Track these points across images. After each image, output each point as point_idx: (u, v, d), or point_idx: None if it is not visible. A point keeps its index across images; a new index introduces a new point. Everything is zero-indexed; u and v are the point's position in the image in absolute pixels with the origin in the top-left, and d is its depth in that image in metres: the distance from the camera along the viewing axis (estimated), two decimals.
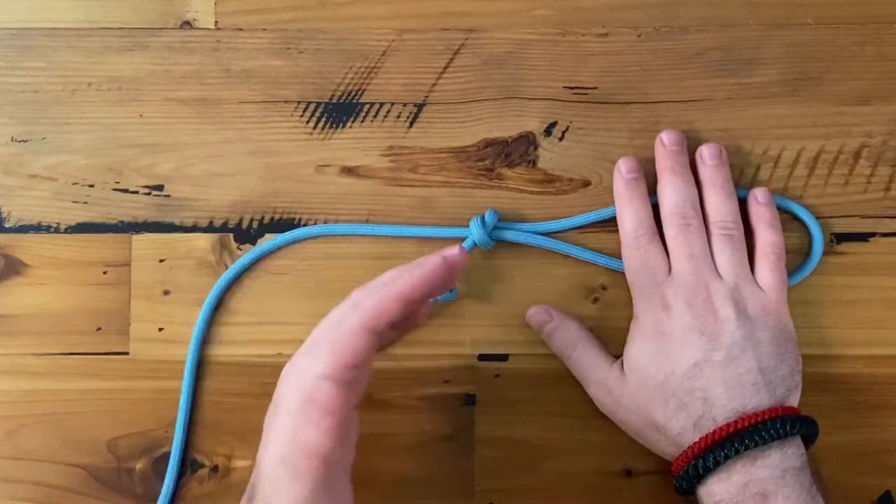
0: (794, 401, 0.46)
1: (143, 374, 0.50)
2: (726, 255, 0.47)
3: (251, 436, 0.49)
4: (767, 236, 0.48)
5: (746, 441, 0.43)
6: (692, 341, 0.45)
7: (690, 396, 0.45)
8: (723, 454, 0.43)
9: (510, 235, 0.50)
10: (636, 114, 0.51)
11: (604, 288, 0.50)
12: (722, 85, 0.51)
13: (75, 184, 0.51)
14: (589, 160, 0.51)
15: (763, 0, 0.51)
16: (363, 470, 0.49)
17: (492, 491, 0.49)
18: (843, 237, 0.50)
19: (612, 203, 0.50)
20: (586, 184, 0.51)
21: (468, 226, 0.49)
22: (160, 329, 0.50)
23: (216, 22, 0.52)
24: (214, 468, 0.49)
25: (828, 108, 0.51)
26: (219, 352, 0.50)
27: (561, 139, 0.51)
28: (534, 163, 0.51)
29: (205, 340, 0.50)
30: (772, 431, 0.43)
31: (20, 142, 0.51)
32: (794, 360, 0.46)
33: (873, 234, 0.50)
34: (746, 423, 0.43)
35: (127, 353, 0.50)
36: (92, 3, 0.52)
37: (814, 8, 0.52)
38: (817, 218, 0.50)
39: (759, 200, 0.49)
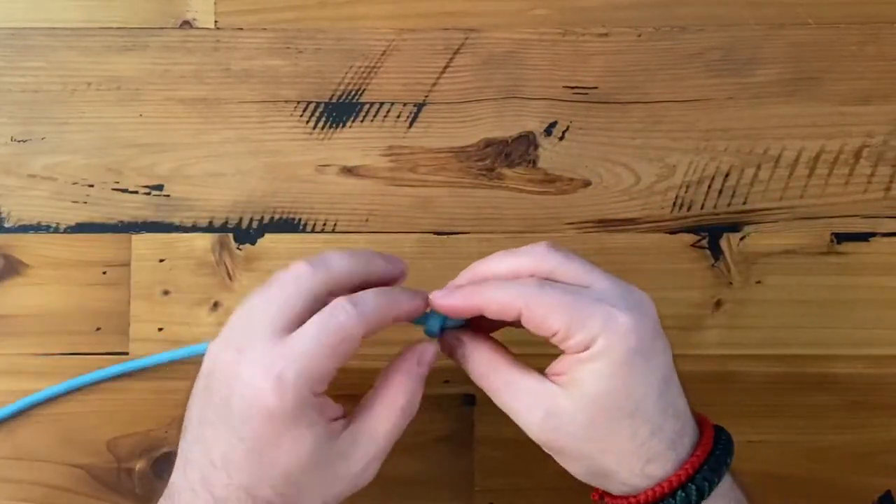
0: None
1: (142, 375, 0.50)
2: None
3: None
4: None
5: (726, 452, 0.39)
6: (657, 349, 0.38)
7: (664, 416, 0.38)
8: (717, 474, 0.38)
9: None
10: (636, 114, 0.51)
11: None
12: (722, 85, 0.51)
13: (75, 184, 0.51)
14: (589, 160, 0.51)
15: (763, 0, 0.51)
16: None
17: (492, 491, 0.49)
18: (843, 237, 0.50)
19: (612, 203, 0.50)
20: (587, 184, 0.51)
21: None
22: (160, 329, 0.50)
23: (216, 21, 0.52)
24: None
25: (828, 108, 0.51)
26: None
27: (561, 139, 0.51)
28: (534, 163, 0.51)
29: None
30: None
31: (20, 142, 0.51)
32: None
33: (873, 234, 0.50)
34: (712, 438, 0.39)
35: (127, 353, 0.50)
36: (91, 3, 0.52)
37: (814, 8, 0.52)
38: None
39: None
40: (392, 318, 0.39)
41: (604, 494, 0.41)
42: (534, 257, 0.39)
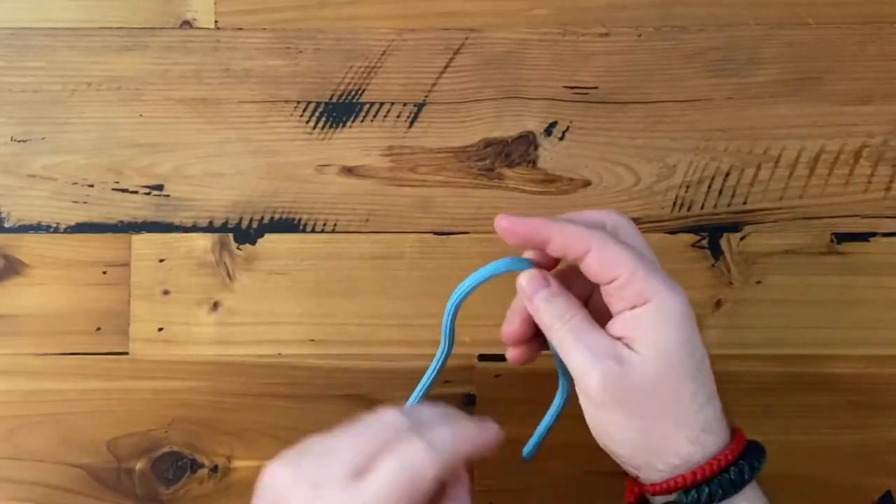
0: None
1: (142, 374, 0.50)
2: None
3: (251, 436, 0.49)
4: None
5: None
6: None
7: (714, 386, 0.39)
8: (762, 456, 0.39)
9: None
10: (636, 114, 0.51)
11: None
12: (722, 85, 0.51)
13: (75, 184, 0.51)
14: (589, 160, 0.51)
15: (763, 0, 0.51)
16: None
17: (492, 491, 0.49)
18: (843, 237, 0.50)
19: (612, 203, 0.50)
20: (587, 184, 0.51)
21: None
22: (160, 329, 0.50)
23: (216, 21, 0.52)
24: (214, 468, 0.49)
25: (828, 108, 0.51)
26: (219, 352, 0.50)
27: (561, 139, 0.51)
28: (534, 163, 0.51)
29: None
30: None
31: (20, 142, 0.51)
32: None
33: (874, 234, 0.50)
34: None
35: (126, 353, 0.50)
36: (91, 3, 0.52)
37: (814, 8, 0.52)
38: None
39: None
40: (466, 455, 0.37)
41: (641, 489, 0.40)
42: (605, 212, 0.41)
